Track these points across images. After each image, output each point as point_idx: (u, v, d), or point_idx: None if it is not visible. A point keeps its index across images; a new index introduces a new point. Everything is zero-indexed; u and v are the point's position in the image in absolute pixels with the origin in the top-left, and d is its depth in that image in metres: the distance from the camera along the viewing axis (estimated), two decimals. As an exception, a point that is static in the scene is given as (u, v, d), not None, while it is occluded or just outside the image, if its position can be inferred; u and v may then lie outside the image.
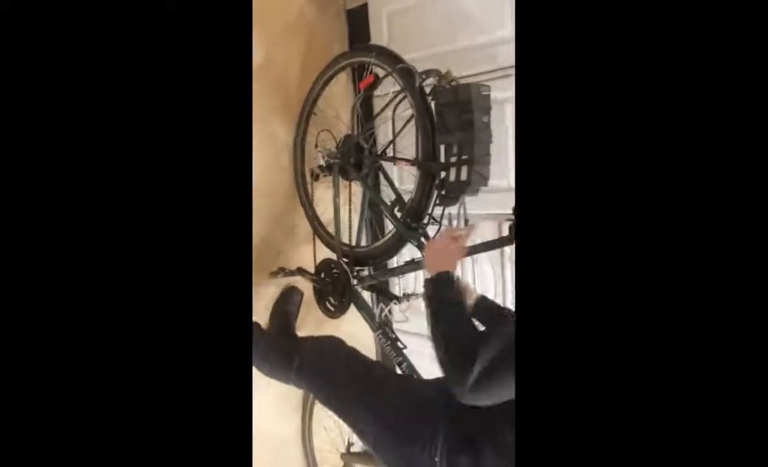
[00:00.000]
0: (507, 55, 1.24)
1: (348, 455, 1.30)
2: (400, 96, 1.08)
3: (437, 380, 1.00)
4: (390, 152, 1.16)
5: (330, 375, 1.03)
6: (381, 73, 1.11)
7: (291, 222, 1.56)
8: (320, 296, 1.28)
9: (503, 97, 1.22)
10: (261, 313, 1.41)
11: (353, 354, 1.05)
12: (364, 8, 1.60)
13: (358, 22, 1.64)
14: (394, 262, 1.36)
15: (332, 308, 1.25)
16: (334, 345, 1.09)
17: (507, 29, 1.23)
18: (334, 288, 1.24)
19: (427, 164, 1.00)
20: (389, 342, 1.16)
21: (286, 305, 1.41)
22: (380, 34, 1.56)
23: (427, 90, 1.03)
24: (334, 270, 1.25)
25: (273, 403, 1.49)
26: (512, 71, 1.23)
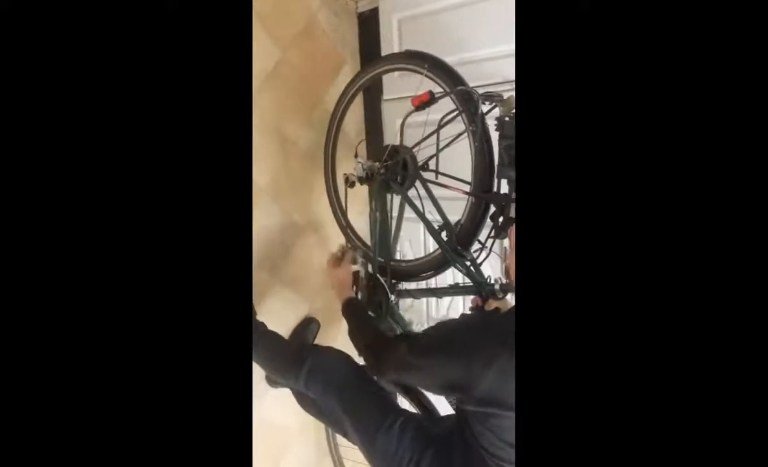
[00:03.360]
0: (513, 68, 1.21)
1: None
2: (453, 115, 1.04)
3: (445, 418, 1.03)
4: (431, 167, 1.13)
5: (337, 390, 1.03)
6: (436, 89, 1.05)
7: (302, 224, 1.57)
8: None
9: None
10: (265, 315, 1.40)
11: (364, 373, 1.05)
12: (374, 12, 1.55)
13: (368, 26, 1.60)
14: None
15: (367, 320, 1.25)
16: (345, 358, 1.09)
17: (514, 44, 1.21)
18: (369, 300, 1.23)
19: (489, 196, 0.97)
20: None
21: (302, 336, 1.43)
22: (390, 40, 1.54)
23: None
24: (368, 282, 1.24)
25: (279, 396, 1.50)
26: None
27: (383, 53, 1.57)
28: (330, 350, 1.16)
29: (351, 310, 1.08)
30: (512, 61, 1.24)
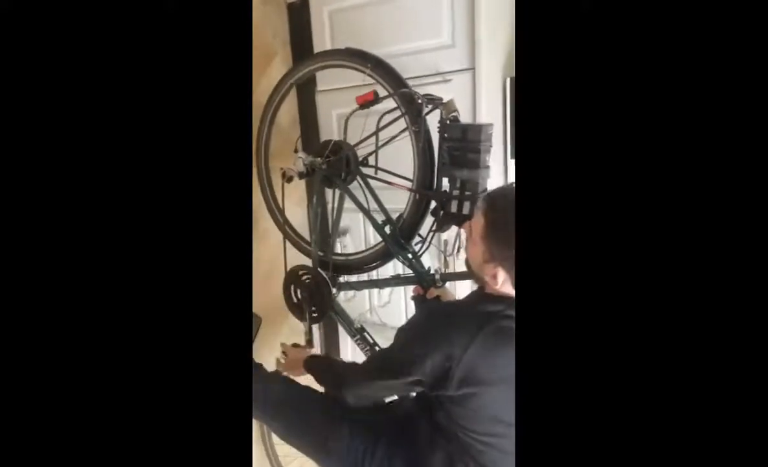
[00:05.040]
0: (444, 61, 1.36)
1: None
2: (395, 114, 1.09)
3: (386, 407, 1.09)
4: (371, 163, 1.17)
5: (281, 414, 1.05)
6: (380, 89, 1.09)
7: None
8: (295, 306, 1.27)
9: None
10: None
11: (303, 391, 1.08)
12: (305, 3, 1.56)
13: (298, 17, 1.60)
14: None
15: (309, 314, 1.25)
16: (284, 382, 1.11)
17: (444, 37, 1.35)
18: (310, 295, 1.23)
19: (431, 193, 1.04)
20: (368, 347, 1.23)
21: None
22: (322, 32, 1.56)
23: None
24: (305, 277, 1.25)
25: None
26: (450, 77, 1.35)
27: (315, 44, 1.57)
28: (270, 376, 1.15)
29: (313, 364, 1.08)
30: (439, 53, 1.35)
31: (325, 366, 1.07)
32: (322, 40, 1.55)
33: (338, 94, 1.55)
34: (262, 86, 1.52)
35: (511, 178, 1.39)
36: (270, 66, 1.61)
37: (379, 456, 0.90)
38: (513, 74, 1.39)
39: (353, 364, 0.96)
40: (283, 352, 1.21)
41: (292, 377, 1.13)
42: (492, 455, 0.78)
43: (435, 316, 0.90)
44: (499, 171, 1.40)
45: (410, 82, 1.32)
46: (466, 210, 0.99)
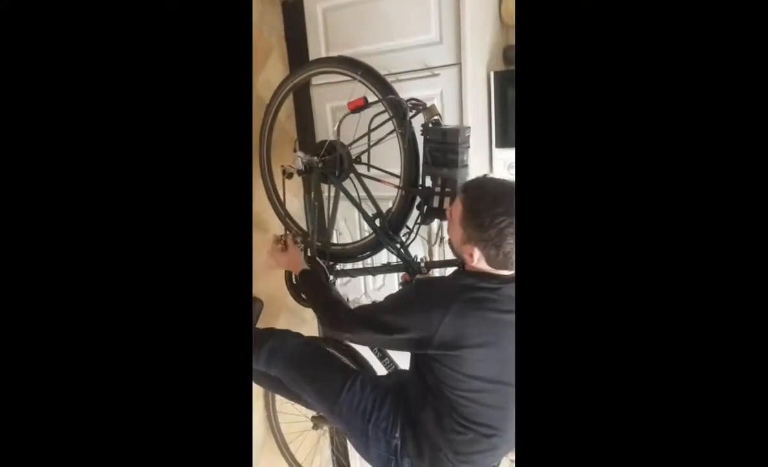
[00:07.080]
0: (433, 56, 1.46)
1: (318, 418, 1.51)
2: (384, 117, 1.18)
3: (393, 373, 1.25)
4: (364, 161, 1.28)
5: (298, 365, 1.19)
6: (368, 94, 1.18)
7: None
8: (295, 287, 1.40)
9: (431, 94, 1.45)
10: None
11: (319, 348, 1.23)
12: (299, 2, 1.62)
13: (293, 14, 1.67)
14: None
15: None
16: (301, 338, 1.27)
17: (432, 34, 1.45)
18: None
19: (416, 190, 1.15)
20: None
21: None
22: (316, 30, 1.64)
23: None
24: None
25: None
26: (438, 71, 1.46)
27: (309, 41, 1.64)
28: (286, 332, 1.30)
29: (309, 278, 1.22)
30: (428, 49, 1.45)
31: (319, 290, 1.16)
32: (316, 37, 1.63)
33: (331, 89, 1.64)
34: (260, 81, 1.62)
35: (496, 167, 1.50)
36: (267, 62, 1.70)
37: (385, 411, 1.02)
38: (496, 69, 1.47)
39: (342, 305, 1.08)
40: (283, 240, 1.29)
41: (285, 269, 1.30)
42: (474, 408, 0.90)
43: (420, 287, 1.03)
44: (485, 161, 1.50)
45: (401, 76, 1.42)
46: (446, 205, 1.10)
